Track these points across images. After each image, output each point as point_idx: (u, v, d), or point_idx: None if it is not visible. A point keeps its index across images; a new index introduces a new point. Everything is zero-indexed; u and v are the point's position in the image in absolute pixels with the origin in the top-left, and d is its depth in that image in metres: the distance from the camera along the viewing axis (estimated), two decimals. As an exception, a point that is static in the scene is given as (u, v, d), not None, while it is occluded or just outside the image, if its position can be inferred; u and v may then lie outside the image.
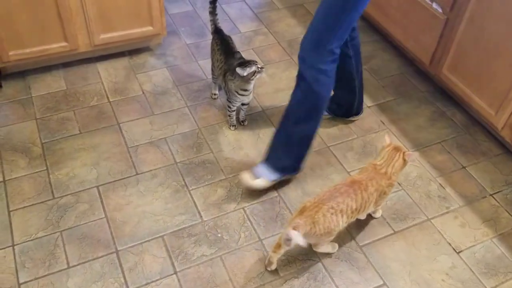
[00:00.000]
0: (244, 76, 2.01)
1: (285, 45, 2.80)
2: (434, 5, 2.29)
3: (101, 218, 1.85)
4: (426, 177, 2.10)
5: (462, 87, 2.27)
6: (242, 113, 2.27)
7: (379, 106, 2.44)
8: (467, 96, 2.25)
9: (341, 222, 1.63)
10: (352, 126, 2.33)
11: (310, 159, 2.14)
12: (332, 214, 1.59)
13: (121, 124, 2.23)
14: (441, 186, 2.07)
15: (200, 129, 2.25)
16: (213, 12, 2.24)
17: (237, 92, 2.10)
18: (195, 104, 2.38)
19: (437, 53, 2.37)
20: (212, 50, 2.27)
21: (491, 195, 2.05)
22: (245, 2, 3.12)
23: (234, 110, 2.19)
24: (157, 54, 2.66)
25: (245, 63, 2.02)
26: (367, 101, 2.47)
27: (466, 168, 2.16)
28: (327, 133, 2.28)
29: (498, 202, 2.02)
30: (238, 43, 2.76)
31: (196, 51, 2.71)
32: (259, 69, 2.03)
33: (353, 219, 1.70)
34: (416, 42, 2.47)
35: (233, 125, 2.25)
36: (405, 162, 1.72)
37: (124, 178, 2.00)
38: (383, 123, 2.36)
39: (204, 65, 2.61)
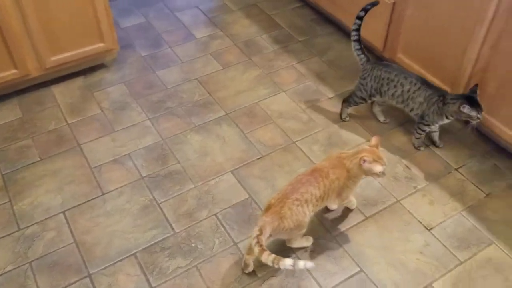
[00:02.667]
0: (466, 113, 1.89)
1: (242, 46, 2.79)
2: (380, -9, 2.32)
3: (70, 244, 1.81)
4: (391, 160, 2.13)
5: (417, 68, 2.30)
6: (437, 136, 2.18)
7: (341, 96, 2.45)
8: (423, 76, 2.28)
9: (308, 212, 1.63)
10: (316, 119, 2.34)
11: (278, 157, 2.15)
12: (297, 206, 1.59)
13: (82, 145, 2.19)
14: (407, 167, 2.10)
15: (164, 140, 2.23)
16: (358, 40, 2.19)
17: (446, 117, 1.99)
18: (156, 115, 2.35)
19: (389, 37, 2.40)
20: (382, 78, 2.12)
21: (456, 169, 2.08)
22: (198, 7, 3.11)
23: (426, 131, 2.12)
24: (113, 69, 2.62)
25: (474, 104, 1.88)
26: (328, 93, 2.48)
27: (430, 146, 2.19)
28: (292, 129, 2.29)
29: (464, 176, 2.06)
30: (194, 50, 2.76)
31: (152, 62, 2.68)
32: (478, 115, 1.89)
33: (320, 207, 1.71)
34: (368, 29, 2.49)
35: (424, 145, 2.18)
36: (360, 166, 1.64)
37: (90, 200, 1.96)
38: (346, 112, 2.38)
39: (162, 75, 2.59)
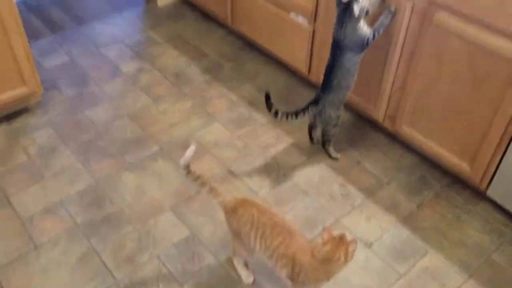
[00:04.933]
0: (357, 16, 1.86)
1: (171, 78, 2.79)
2: (300, 18, 2.41)
3: (4, 306, 1.70)
4: (327, 180, 2.19)
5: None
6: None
7: (272, 121, 2.51)
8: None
9: (252, 241, 1.56)
10: (251, 146, 2.37)
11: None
12: (247, 222, 1.56)
13: (9, 197, 2.08)
14: (342, 185, 2.17)
15: (97, 182, 2.16)
16: (287, 115, 2.11)
17: (367, 39, 1.92)
18: (87, 157, 2.28)
19: (313, 62, 2.49)
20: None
21: (387, 183, 2.18)
22: (124, 42, 3.07)
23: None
24: (38, 113, 2.52)
25: (350, 3, 1.84)
26: (260, 118, 2.53)
27: (361, 162, 2.28)
28: (228, 158, 2.30)
29: (395, 188, 2.16)
30: (123, 85, 2.71)
31: (79, 101, 2.60)
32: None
33: (270, 262, 1.58)
34: (293, 55, 2.58)
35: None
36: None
37: (23, 254, 1.86)
38: (280, 136, 2.43)
39: (91, 114, 2.52)
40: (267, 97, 2.07)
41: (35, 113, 2.51)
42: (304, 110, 2.11)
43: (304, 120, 2.27)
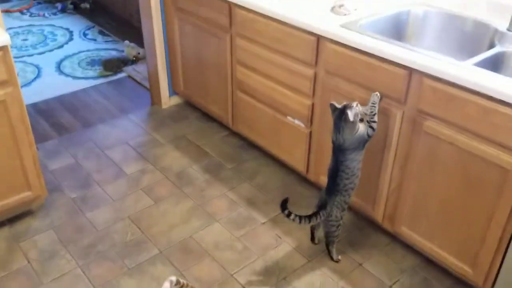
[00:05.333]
0: (352, 121, 1.92)
1: (173, 179, 2.85)
2: (297, 122, 2.53)
3: None
4: (329, 284, 2.16)
5: (340, 188, 2.45)
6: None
7: (272, 220, 2.52)
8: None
9: None
10: (251, 247, 2.36)
11: (215, 294, 2.11)
12: None
13: (5, 305, 2.04)
14: (344, 289, 2.13)
15: (95, 289, 2.13)
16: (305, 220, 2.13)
17: (365, 140, 2.00)
18: (87, 261, 2.27)
19: (311, 161, 2.56)
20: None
21: (390, 286, 2.14)
22: (128, 143, 3.18)
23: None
24: (40, 215, 2.55)
25: (344, 109, 1.93)
26: (260, 218, 2.54)
27: (362, 264, 2.26)
28: (228, 261, 2.28)
29: (398, 292, 2.12)
30: (125, 187, 2.77)
31: (82, 203, 2.64)
32: (356, 105, 1.95)
33: None
34: (291, 155, 2.67)
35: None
36: None
37: None
38: (280, 237, 2.43)
39: (92, 217, 2.54)
40: (285, 203, 2.10)
41: (37, 216, 2.54)
42: (316, 214, 2.13)
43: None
